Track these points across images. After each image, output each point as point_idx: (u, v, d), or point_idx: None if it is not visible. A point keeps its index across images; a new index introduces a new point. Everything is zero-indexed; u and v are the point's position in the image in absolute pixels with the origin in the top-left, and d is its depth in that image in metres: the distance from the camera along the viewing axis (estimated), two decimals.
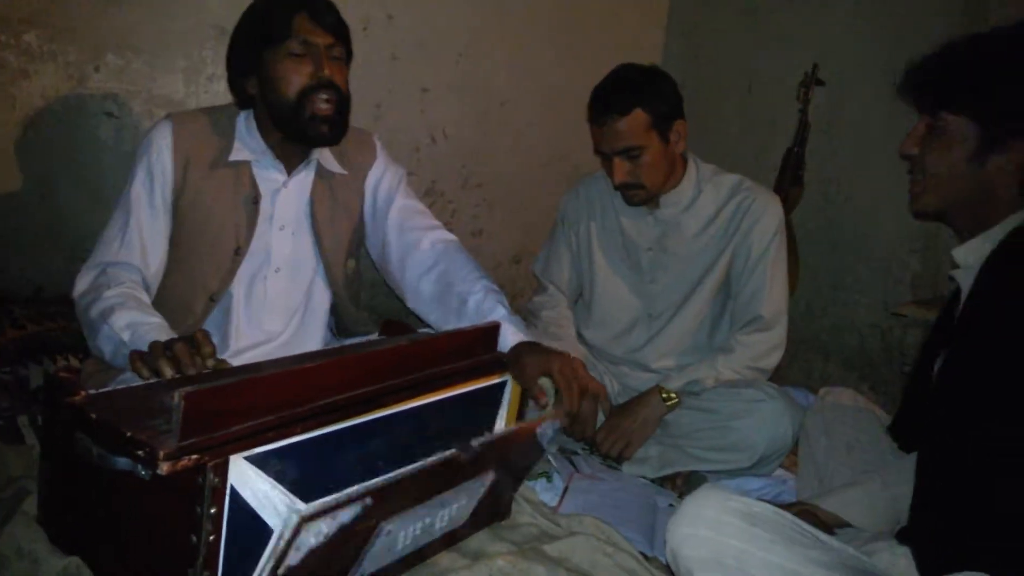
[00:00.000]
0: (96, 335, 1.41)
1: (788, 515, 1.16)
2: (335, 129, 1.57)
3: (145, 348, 1.29)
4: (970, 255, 1.20)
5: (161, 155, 1.55)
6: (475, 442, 1.23)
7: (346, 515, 1.02)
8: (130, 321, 1.39)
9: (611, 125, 1.83)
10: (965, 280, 1.21)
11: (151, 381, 1.26)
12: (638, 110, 1.82)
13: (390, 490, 1.08)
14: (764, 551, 1.10)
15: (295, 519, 0.96)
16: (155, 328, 1.38)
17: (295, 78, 1.52)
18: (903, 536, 1.24)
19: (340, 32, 1.58)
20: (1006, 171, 1.15)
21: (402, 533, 1.20)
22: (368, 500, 1.04)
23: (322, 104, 1.53)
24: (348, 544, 1.11)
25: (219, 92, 2.22)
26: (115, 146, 2.12)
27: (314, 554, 1.02)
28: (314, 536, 1.00)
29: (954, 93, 1.17)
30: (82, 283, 1.50)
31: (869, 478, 1.44)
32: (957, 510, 1.15)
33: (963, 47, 1.18)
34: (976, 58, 1.15)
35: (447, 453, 1.18)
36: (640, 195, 1.91)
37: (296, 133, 1.56)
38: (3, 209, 2.03)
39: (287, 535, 0.96)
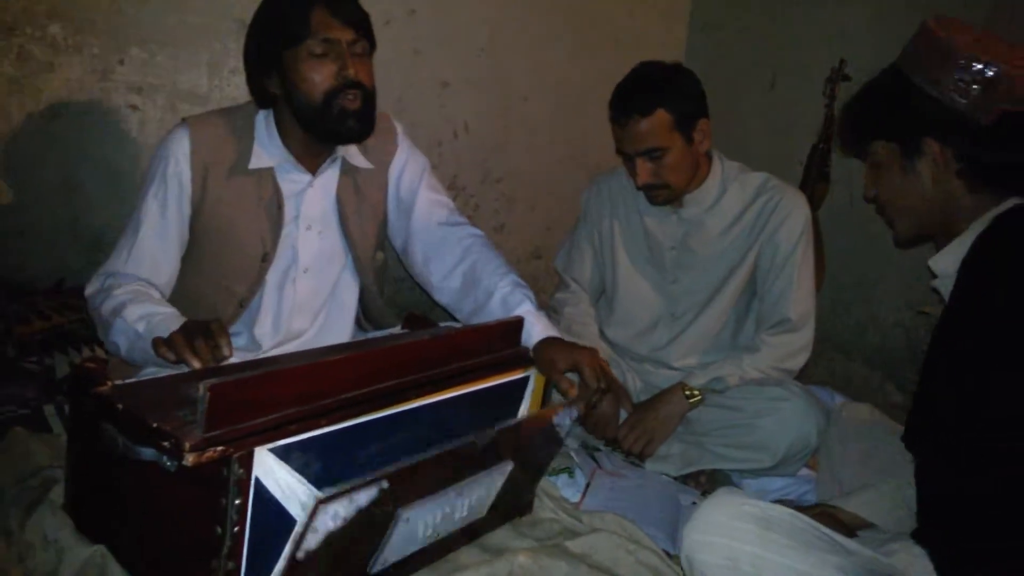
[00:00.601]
0: (110, 331, 1.41)
1: (805, 518, 1.16)
2: (364, 124, 1.53)
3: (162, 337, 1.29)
4: (945, 263, 1.23)
5: (179, 164, 1.51)
6: (491, 428, 1.23)
7: (363, 498, 1.02)
8: (143, 313, 1.39)
9: (633, 126, 1.79)
10: (946, 288, 1.23)
11: (176, 372, 1.27)
12: (660, 110, 1.78)
13: (406, 474, 1.08)
14: (780, 556, 1.09)
15: (312, 501, 0.96)
16: (169, 318, 1.38)
17: (319, 80, 1.47)
18: (918, 537, 1.23)
19: (362, 25, 1.52)
20: (937, 169, 1.21)
21: (421, 521, 1.20)
22: (384, 483, 1.04)
23: (349, 101, 1.49)
24: (367, 530, 1.11)
25: (242, 85, 2.20)
26: (138, 139, 2.13)
27: (333, 538, 1.02)
28: (331, 519, 1.00)
29: (866, 125, 1.29)
30: (93, 285, 1.50)
31: (884, 480, 1.43)
32: (955, 511, 1.15)
33: (861, 90, 1.32)
34: (872, 91, 1.29)
35: (463, 439, 1.18)
36: (664, 195, 1.89)
37: (324, 133, 1.53)
38: (27, 201, 2.04)
39: (304, 517, 0.97)
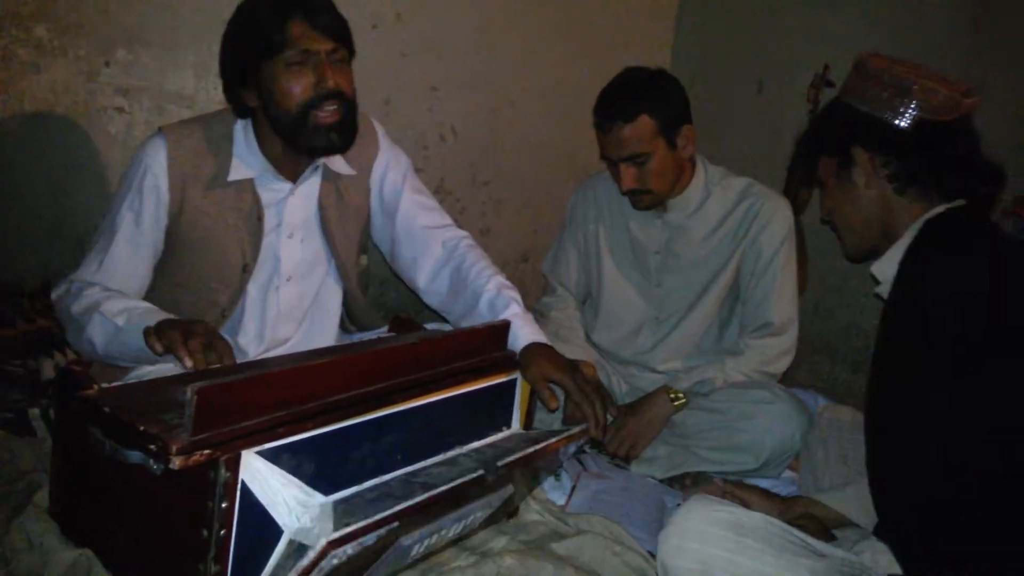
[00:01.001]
0: (85, 328, 1.39)
1: (778, 523, 1.18)
2: (344, 135, 1.49)
3: (141, 331, 1.28)
4: (885, 268, 1.29)
5: (156, 178, 1.47)
6: (501, 462, 1.23)
7: (371, 538, 1.02)
8: (124, 307, 1.37)
9: (616, 132, 1.81)
10: (887, 293, 1.29)
11: (161, 376, 1.27)
12: (644, 116, 1.80)
13: (417, 511, 1.08)
14: (752, 560, 1.12)
15: (322, 543, 0.96)
16: (148, 311, 1.37)
17: (296, 90, 1.43)
18: (879, 532, 1.28)
19: (340, 34, 1.48)
20: (868, 176, 1.31)
21: (417, 545, 1.21)
22: (395, 524, 1.04)
23: (325, 115, 1.45)
24: (364, 557, 1.11)
25: None
26: (124, 141, 2.12)
27: (333, 571, 1.03)
28: (337, 558, 1.00)
29: (806, 147, 1.44)
30: (59, 289, 1.49)
31: (862, 478, 1.45)
32: (899, 503, 1.20)
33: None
34: (817, 119, 1.47)
35: (475, 475, 1.18)
36: (647, 200, 1.91)
37: (302, 146, 1.49)
38: (12, 203, 2.03)
39: (312, 556, 0.97)
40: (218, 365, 1.24)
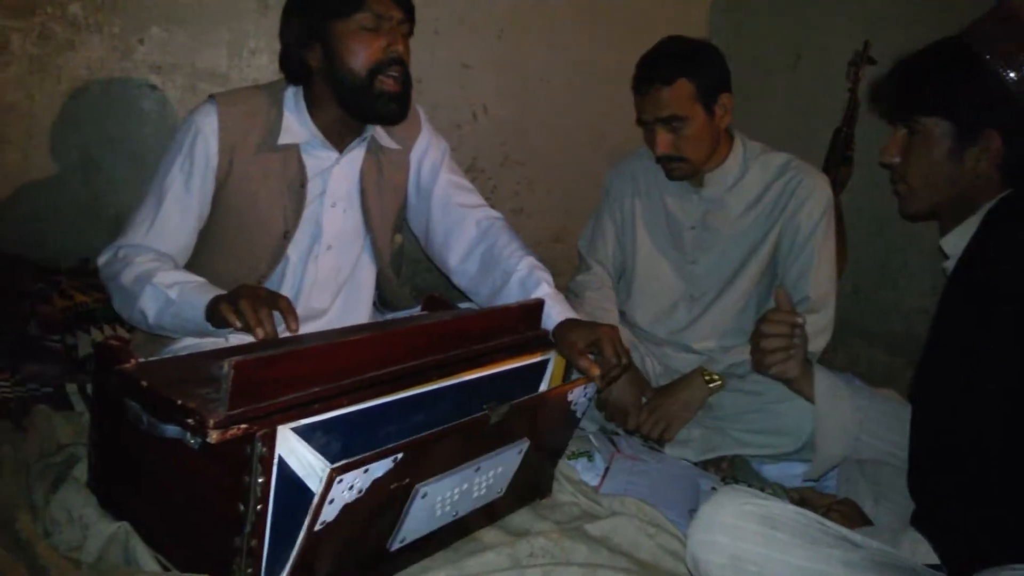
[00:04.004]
0: (137, 298, 1.40)
1: (811, 514, 1.15)
2: (402, 105, 1.54)
3: (195, 306, 1.31)
4: (957, 243, 1.23)
5: (207, 141, 1.50)
6: (505, 403, 1.22)
7: (377, 469, 1.02)
8: (176, 280, 1.39)
9: (654, 93, 1.80)
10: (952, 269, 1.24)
11: (199, 351, 1.27)
12: (683, 79, 1.79)
13: (420, 446, 1.08)
14: (784, 554, 1.09)
15: (326, 471, 0.96)
16: (201, 286, 1.38)
17: (367, 53, 1.48)
18: (916, 523, 1.24)
19: (410, 7, 1.55)
20: (982, 160, 1.20)
21: (439, 497, 1.20)
22: (398, 454, 1.04)
23: (391, 81, 1.50)
24: (384, 505, 1.11)
25: (261, 66, 2.22)
26: (158, 118, 2.13)
27: (349, 511, 1.02)
28: (346, 490, 1.00)
29: (925, 98, 1.24)
30: (106, 255, 1.49)
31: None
32: (945, 476, 1.16)
33: (923, 56, 1.25)
34: (938, 62, 1.23)
35: (478, 413, 1.18)
36: (682, 169, 1.88)
37: (362, 111, 1.53)
38: (47, 180, 2.05)
39: (319, 488, 0.97)
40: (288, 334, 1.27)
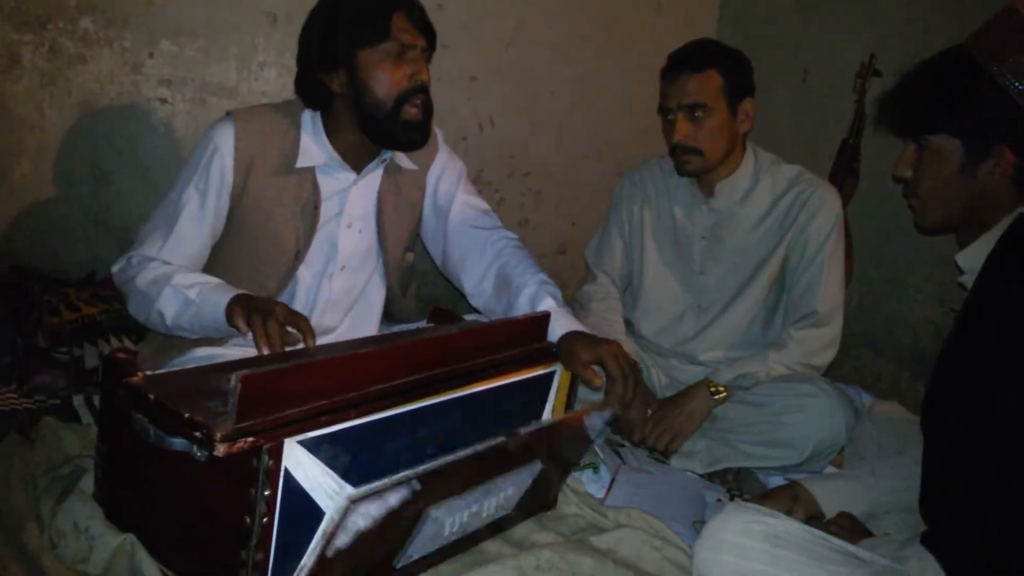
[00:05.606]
0: (154, 300, 1.41)
1: (817, 531, 1.15)
2: (425, 134, 1.56)
3: (215, 304, 1.33)
4: (974, 259, 1.21)
5: (223, 159, 1.50)
6: (523, 430, 1.22)
7: (394, 498, 1.02)
8: (195, 281, 1.40)
9: (682, 80, 1.84)
10: (971, 283, 1.21)
11: (206, 364, 1.28)
12: (712, 71, 1.83)
13: (437, 475, 1.08)
14: (790, 572, 1.09)
15: (345, 501, 0.96)
16: (220, 286, 1.40)
17: (393, 81, 1.48)
18: (926, 541, 1.21)
19: (432, 35, 1.56)
20: (995, 174, 1.19)
21: (449, 520, 1.20)
22: (416, 484, 1.04)
23: (415, 110, 1.51)
24: (395, 528, 1.11)
25: (271, 79, 2.23)
26: (168, 132, 2.15)
27: (362, 536, 1.03)
28: (363, 518, 1.00)
29: (932, 117, 1.22)
30: (121, 263, 1.50)
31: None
32: (958, 500, 1.14)
33: (928, 72, 1.23)
34: (944, 79, 1.21)
35: (495, 441, 1.17)
36: (694, 163, 1.88)
37: (385, 138, 1.54)
38: (57, 193, 2.06)
39: (336, 517, 0.97)
40: (297, 347, 1.29)
